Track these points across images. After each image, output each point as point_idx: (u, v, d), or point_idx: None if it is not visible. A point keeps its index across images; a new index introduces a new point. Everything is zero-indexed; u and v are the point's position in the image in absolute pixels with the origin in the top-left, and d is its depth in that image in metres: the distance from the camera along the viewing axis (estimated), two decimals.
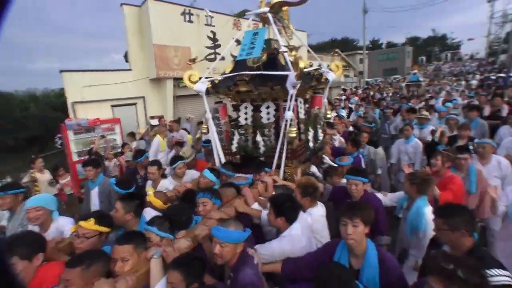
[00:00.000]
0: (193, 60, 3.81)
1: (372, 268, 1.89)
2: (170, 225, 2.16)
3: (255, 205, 2.82)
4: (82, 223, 2.13)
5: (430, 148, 4.94)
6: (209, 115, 3.84)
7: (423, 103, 10.60)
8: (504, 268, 1.72)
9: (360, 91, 21.09)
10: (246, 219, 2.66)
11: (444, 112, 7.06)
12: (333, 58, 4.33)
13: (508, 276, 1.66)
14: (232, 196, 2.92)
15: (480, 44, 48.27)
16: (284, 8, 3.81)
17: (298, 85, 3.09)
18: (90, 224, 2.12)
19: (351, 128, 6.69)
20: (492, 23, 36.76)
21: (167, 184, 3.86)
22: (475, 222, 2.07)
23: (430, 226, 2.40)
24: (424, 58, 43.38)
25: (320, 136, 4.10)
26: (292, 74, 3.01)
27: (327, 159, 4.05)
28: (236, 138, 3.77)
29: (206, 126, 3.97)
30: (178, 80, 10.27)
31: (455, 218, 1.91)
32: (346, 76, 29.01)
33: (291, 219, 2.30)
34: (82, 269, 1.64)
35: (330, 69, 4.17)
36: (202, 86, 3.74)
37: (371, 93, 19.10)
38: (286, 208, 2.29)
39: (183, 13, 10.64)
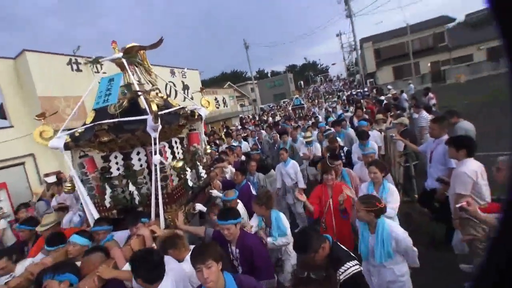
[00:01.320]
0: (43, 115, 3.38)
1: None
2: None
3: (126, 267, 2.52)
4: None
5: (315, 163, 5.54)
6: (73, 172, 3.43)
7: (310, 122, 11.95)
8: (353, 258, 2.24)
9: (257, 117, 22.70)
10: (120, 285, 2.37)
11: (323, 128, 7.99)
12: (202, 94, 4.46)
13: (357, 264, 2.19)
14: (99, 262, 2.53)
15: (341, 67, 60.43)
16: (141, 51, 3.79)
17: (159, 127, 3.03)
18: None
19: (243, 157, 6.93)
20: (343, 51, 46.43)
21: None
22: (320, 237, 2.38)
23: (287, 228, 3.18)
24: (302, 82, 51.58)
25: (202, 172, 4.08)
26: (149, 117, 2.94)
27: (215, 192, 4.03)
28: (108, 191, 3.43)
29: (70, 185, 3.53)
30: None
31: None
32: (242, 105, 30.96)
33: (149, 280, 2.11)
34: None
35: (202, 105, 4.27)
36: (58, 142, 3.32)
37: (264, 118, 20.80)
38: (142, 267, 2.09)
39: (70, 63, 10.46)
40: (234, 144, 8.26)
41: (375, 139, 5.98)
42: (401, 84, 26.48)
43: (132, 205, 3.39)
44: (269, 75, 69.68)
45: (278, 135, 8.46)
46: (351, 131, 7.17)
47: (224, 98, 24.25)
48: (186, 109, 3.77)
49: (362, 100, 15.40)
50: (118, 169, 3.55)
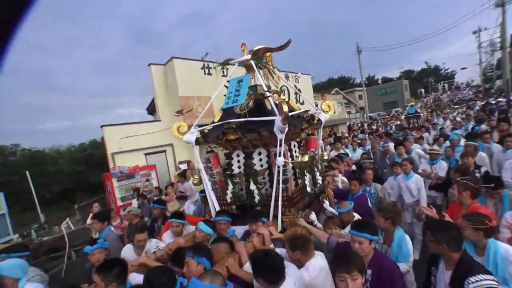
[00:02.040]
0: (181, 111, 3.78)
1: None
2: None
3: (248, 265, 2.52)
4: None
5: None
6: (201, 165, 3.71)
7: (426, 134, 10.44)
8: (489, 273, 1.95)
9: (365, 126, 21.22)
10: (241, 283, 2.39)
11: (456, 140, 6.62)
12: (323, 98, 4.28)
13: (493, 280, 1.90)
14: (225, 252, 2.63)
15: (473, 72, 49.27)
16: (267, 54, 3.86)
17: (286, 129, 2.99)
18: None
19: (353, 167, 6.45)
20: (481, 52, 37.35)
21: (167, 240, 3.62)
22: (460, 240, 2.13)
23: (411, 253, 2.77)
24: (422, 90, 44.45)
25: (319, 179, 3.89)
26: (278, 119, 2.92)
27: (326, 204, 3.79)
28: (230, 187, 3.58)
29: (198, 177, 3.83)
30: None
31: (439, 232, 2.14)
32: (348, 112, 29.50)
33: (270, 280, 2.02)
34: None
35: (322, 110, 4.10)
36: (191, 137, 3.66)
37: (374, 127, 19.19)
38: (263, 268, 2.02)
39: (203, 67, 12.16)
40: (343, 152, 7.78)
41: None
42: None
43: (251, 203, 3.44)
44: (379, 81, 64.24)
45: (392, 146, 7.62)
46: (496, 147, 5.82)
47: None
48: (309, 113, 3.66)
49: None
50: (239, 167, 3.69)
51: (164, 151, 11.93)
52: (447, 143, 7.03)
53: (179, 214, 3.90)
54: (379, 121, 24.76)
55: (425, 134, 10.45)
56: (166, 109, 11.72)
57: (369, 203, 4.25)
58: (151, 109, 15.56)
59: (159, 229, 4.66)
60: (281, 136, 3.00)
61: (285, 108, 2.77)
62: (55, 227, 8.67)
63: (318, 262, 2.43)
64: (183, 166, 10.81)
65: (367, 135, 12.90)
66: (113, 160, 10.32)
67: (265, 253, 2.16)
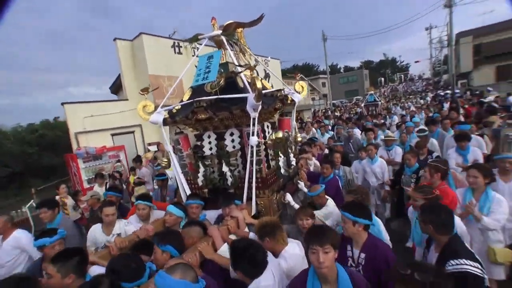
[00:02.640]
0: (146, 89, 3.48)
1: None
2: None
3: (223, 248, 2.38)
4: None
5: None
6: (169, 148, 3.47)
7: (382, 120, 10.93)
8: (475, 260, 1.92)
9: (329, 112, 21.83)
10: (217, 267, 2.24)
11: (411, 128, 6.97)
12: (296, 78, 4.15)
13: (478, 268, 1.86)
14: (197, 237, 2.46)
15: (424, 66, 52.39)
16: (239, 30, 3.65)
17: (259, 107, 2.83)
18: None
19: (326, 151, 6.47)
20: (432, 47, 40.10)
21: (124, 227, 3.33)
22: (449, 223, 2.14)
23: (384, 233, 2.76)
24: (382, 79, 46.15)
25: (293, 160, 3.81)
26: (251, 96, 2.76)
27: (301, 185, 3.73)
28: (201, 170, 3.39)
29: (166, 160, 3.59)
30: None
31: (426, 212, 2.22)
32: (313, 99, 30.02)
33: (250, 274, 1.89)
34: None
35: (295, 90, 3.98)
36: (158, 117, 3.40)
37: (337, 113, 19.81)
38: (244, 261, 1.89)
39: (173, 46, 11.72)
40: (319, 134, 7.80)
41: (479, 144, 5.01)
42: (505, 86, 22.44)
43: (223, 186, 3.28)
44: (341, 70, 65.69)
45: (360, 131, 7.76)
46: (449, 134, 6.09)
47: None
48: (282, 92, 3.52)
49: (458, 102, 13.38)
50: (210, 148, 3.50)
51: (133, 131, 11.43)
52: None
53: (145, 196, 3.67)
54: (342, 108, 25.61)
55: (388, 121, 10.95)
56: (133, 88, 11.04)
57: (340, 186, 4.26)
58: (116, 88, 14.59)
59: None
60: (254, 114, 2.85)
61: (259, 84, 2.61)
62: (12, 212, 7.89)
63: (295, 250, 2.33)
64: (152, 148, 10.52)
65: (333, 120, 13.29)
66: (77, 140, 9.63)
67: (248, 244, 1.97)
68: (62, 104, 9.62)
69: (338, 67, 69.63)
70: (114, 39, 10.88)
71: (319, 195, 3.38)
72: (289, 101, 3.72)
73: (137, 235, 2.77)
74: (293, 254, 2.28)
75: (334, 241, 1.80)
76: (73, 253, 2.10)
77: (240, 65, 3.35)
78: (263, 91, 3.12)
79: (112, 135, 10.64)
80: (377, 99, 15.95)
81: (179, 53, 11.88)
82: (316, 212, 3.17)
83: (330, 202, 3.46)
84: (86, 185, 8.81)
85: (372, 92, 16.30)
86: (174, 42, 11.70)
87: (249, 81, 2.89)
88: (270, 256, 2.15)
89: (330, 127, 10.79)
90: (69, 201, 5.83)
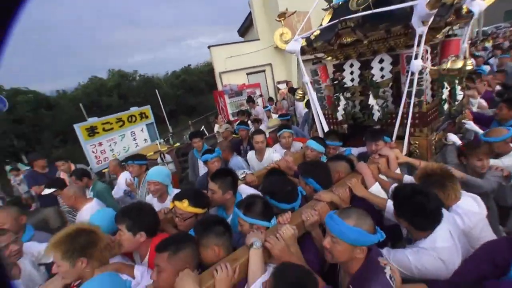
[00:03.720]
0: (283, 15, 3.19)
1: None
2: (264, 208, 1.68)
3: (375, 188, 2.08)
4: (177, 203, 1.94)
5: None
6: (306, 79, 3.21)
7: None
8: None
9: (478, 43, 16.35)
10: (367, 208, 1.99)
11: None
12: None
13: None
14: (344, 172, 2.25)
15: None
16: None
17: (431, 18, 2.14)
18: (184, 206, 1.92)
19: (498, 87, 4.92)
20: None
21: (272, 154, 3.49)
22: None
23: None
24: None
25: (459, 95, 2.97)
26: (421, 3, 2.07)
27: (471, 125, 2.92)
28: (342, 103, 3.02)
29: (301, 92, 3.37)
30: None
31: None
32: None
33: (419, 227, 1.52)
34: (169, 255, 1.42)
35: None
36: (295, 45, 3.11)
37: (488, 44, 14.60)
38: (411, 209, 1.50)
39: None
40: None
41: None
42: None
43: (367, 122, 2.86)
44: None
45: None
46: None
47: None
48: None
49: None
50: (352, 80, 3.04)
51: (264, 70, 12.10)
52: None
53: (288, 126, 3.72)
54: (497, 36, 18.19)
55: None
56: (265, 28, 11.47)
57: None
58: (244, 30, 15.26)
59: (245, 151, 4.56)
60: (421, 30, 2.18)
61: None
62: (184, 136, 9.93)
63: (471, 206, 1.79)
64: (282, 86, 11.06)
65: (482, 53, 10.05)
66: (221, 79, 10.97)
67: (416, 190, 1.55)
68: (209, 47, 10.82)
69: None
70: None
71: (505, 141, 2.55)
72: (464, 13, 2.75)
73: (278, 165, 2.76)
74: (468, 211, 1.76)
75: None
76: (228, 173, 2.21)
77: None
78: None
79: (247, 74, 11.63)
80: None
81: None
82: (494, 161, 2.43)
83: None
84: (231, 118, 9.89)
85: None
86: None
87: None
88: (445, 212, 1.71)
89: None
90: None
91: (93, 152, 6.25)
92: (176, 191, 2.75)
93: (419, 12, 2.11)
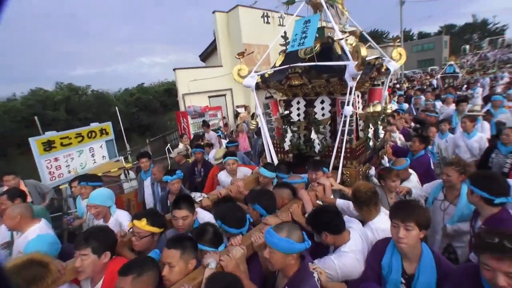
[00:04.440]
0: (242, 54, 3.55)
1: (428, 274, 1.69)
2: (213, 236, 1.90)
3: None
4: (135, 222, 2.07)
5: None
6: (259, 111, 3.57)
7: (468, 91, 9.74)
8: None
9: (401, 84, 19.54)
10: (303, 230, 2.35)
11: (500, 102, 5.85)
12: (394, 44, 3.74)
13: None
14: (287, 199, 2.59)
15: None
16: None
17: (359, 76, 2.67)
18: (142, 224, 2.06)
19: (412, 124, 5.91)
20: None
21: (223, 177, 3.82)
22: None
23: None
24: (467, 46, 37.19)
25: (381, 133, 3.60)
26: (351, 64, 2.59)
27: (385, 160, 3.54)
28: (288, 135, 3.44)
29: (255, 122, 3.73)
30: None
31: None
32: None
33: (337, 229, 1.95)
34: (133, 278, 1.52)
35: (391, 58, 3.62)
36: (251, 81, 3.47)
37: (406, 85, 17.67)
38: (323, 221, 1.97)
39: (263, 16, 12.58)
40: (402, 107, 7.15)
41: None
42: None
43: (309, 153, 3.30)
44: (414, 37, 54.87)
45: (453, 103, 6.84)
46: None
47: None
48: (381, 60, 3.24)
49: None
50: (298, 115, 3.49)
51: (224, 95, 12.95)
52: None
53: (232, 153, 3.97)
54: (414, 78, 22.18)
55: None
56: (227, 55, 12.23)
57: (431, 164, 3.89)
58: (205, 56, 15.77)
59: (199, 173, 4.87)
60: (352, 84, 2.70)
61: (363, 51, 2.42)
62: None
63: (383, 222, 2.16)
64: (240, 110, 11.83)
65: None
66: (183, 100, 11.47)
67: (318, 211, 2.09)
68: (174, 69, 11.33)
69: (411, 33, 58.01)
70: (213, 12, 11.94)
71: (405, 169, 3.20)
72: (384, 70, 3.43)
73: (230, 190, 3.03)
74: (379, 228, 2.17)
75: (420, 220, 1.68)
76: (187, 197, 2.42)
77: (343, 31, 3.13)
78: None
79: (209, 97, 12.31)
80: (457, 70, 13.62)
81: (267, 22, 12.55)
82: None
83: (413, 177, 3.28)
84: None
85: (453, 62, 13.79)
86: (264, 12, 12.33)
87: (352, 48, 2.71)
88: (357, 223, 2.15)
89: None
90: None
91: (47, 167, 5.94)
92: (120, 211, 2.85)
93: (350, 71, 2.62)
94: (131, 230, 2.15)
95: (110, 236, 1.95)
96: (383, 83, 3.93)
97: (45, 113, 18.93)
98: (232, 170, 3.75)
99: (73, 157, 6.44)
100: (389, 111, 3.87)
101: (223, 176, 3.86)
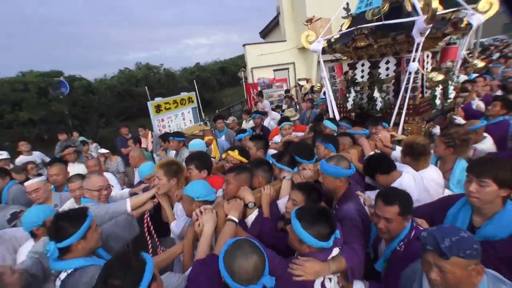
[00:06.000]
0: (310, 20, 3.68)
1: (496, 228, 1.51)
2: (290, 159, 2.30)
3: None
4: (230, 152, 2.65)
5: None
6: (325, 74, 3.69)
7: None
8: None
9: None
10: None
11: None
12: None
13: None
14: (348, 145, 2.83)
15: None
16: None
17: (428, 31, 2.58)
18: (235, 154, 2.60)
19: (498, 92, 5.14)
20: None
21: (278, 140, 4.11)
22: None
23: None
24: None
25: (451, 93, 3.38)
26: (420, 19, 2.53)
27: (459, 120, 3.34)
28: (351, 95, 3.52)
29: (319, 85, 3.87)
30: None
31: None
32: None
33: (388, 170, 2.12)
34: (234, 175, 2.04)
35: (476, 10, 3.15)
36: (318, 46, 3.60)
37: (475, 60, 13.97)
38: (376, 163, 2.17)
39: None
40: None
41: None
42: None
43: (371, 111, 3.34)
44: None
45: None
46: None
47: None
48: (460, 13, 2.99)
49: None
50: (362, 76, 3.51)
51: (287, 68, 13.13)
52: None
53: (287, 118, 4.35)
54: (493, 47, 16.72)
55: None
56: (291, 30, 12.34)
57: (509, 132, 3.45)
58: (265, 33, 16.01)
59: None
60: (419, 39, 2.64)
61: (435, 3, 2.33)
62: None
63: (431, 173, 2.20)
64: (302, 82, 11.89)
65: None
66: (252, 73, 12.15)
67: (372, 157, 2.33)
68: (244, 45, 12.13)
69: None
70: None
71: (476, 131, 2.97)
72: (463, 25, 3.10)
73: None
74: (429, 176, 2.17)
75: (500, 177, 1.49)
76: (262, 137, 2.97)
77: None
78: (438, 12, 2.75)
79: (274, 70, 12.75)
80: None
81: None
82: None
83: (488, 140, 2.99)
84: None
85: None
86: None
87: (424, 1, 2.61)
88: (411, 169, 2.20)
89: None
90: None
91: (157, 126, 7.30)
92: None
93: (418, 25, 2.57)
94: (225, 159, 2.76)
95: (207, 160, 2.52)
96: (455, 43, 3.58)
97: (132, 89, 21.75)
98: (288, 134, 4.01)
99: (172, 119, 7.72)
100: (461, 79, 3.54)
101: (278, 140, 4.14)
